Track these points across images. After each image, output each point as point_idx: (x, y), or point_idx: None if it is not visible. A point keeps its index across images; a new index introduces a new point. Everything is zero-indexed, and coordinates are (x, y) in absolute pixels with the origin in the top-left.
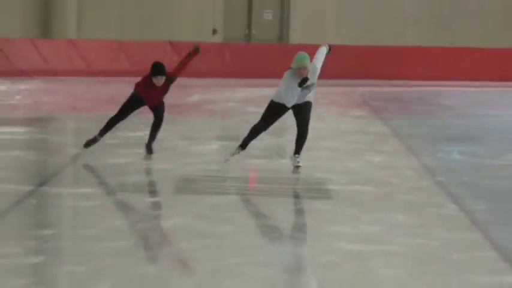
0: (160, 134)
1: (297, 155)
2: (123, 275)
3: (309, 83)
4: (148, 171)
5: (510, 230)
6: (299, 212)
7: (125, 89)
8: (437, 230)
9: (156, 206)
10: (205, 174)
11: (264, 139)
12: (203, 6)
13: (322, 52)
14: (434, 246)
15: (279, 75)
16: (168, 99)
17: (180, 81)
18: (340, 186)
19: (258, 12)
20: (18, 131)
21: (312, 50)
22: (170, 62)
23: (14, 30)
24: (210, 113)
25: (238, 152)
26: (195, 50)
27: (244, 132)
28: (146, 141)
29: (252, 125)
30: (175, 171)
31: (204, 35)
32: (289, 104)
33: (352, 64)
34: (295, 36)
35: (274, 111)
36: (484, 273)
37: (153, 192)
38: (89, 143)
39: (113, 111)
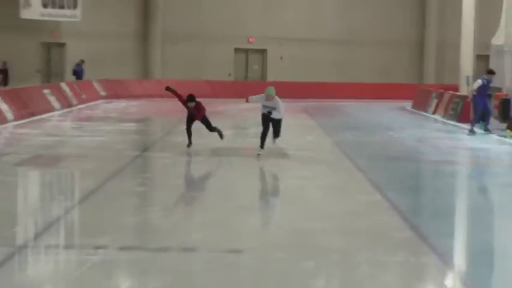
0: (200, 126)
1: (275, 138)
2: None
3: (270, 105)
4: (196, 144)
5: (379, 173)
6: (271, 164)
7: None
8: (341, 173)
9: (200, 162)
10: (224, 146)
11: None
12: (223, 61)
13: (282, 107)
14: (340, 181)
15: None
16: (207, 109)
17: (211, 100)
18: (292, 152)
19: (251, 65)
20: (132, 125)
21: (280, 85)
22: (205, 92)
23: (128, 75)
24: (227, 115)
25: (258, 152)
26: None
27: (244, 124)
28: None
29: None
30: (209, 145)
31: (224, 76)
32: (264, 111)
33: (298, 91)
34: (270, 77)
35: (263, 117)
36: (362, 192)
37: (198, 155)
38: (188, 145)
39: (178, 117)
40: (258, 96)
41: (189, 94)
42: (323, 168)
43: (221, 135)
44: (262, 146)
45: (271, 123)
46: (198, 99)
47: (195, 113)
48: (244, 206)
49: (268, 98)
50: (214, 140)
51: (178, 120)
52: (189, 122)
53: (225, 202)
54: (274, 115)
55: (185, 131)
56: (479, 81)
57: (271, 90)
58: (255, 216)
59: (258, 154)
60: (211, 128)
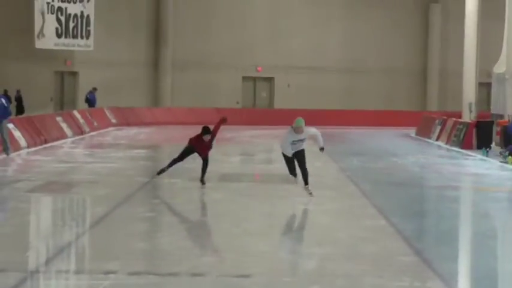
0: (211, 152)
1: (307, 186)
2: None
3: (301, 137)
4: (190, 172)
5: (384, 198)
6: (279, 189)
7: (196, 129)
8: (346, 199)
9: (209, 188)
10: (233, 172)
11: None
12: (231, 89)
13: (319, 136)
14: (345, 206)
15: (270, 123)
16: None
17: (220, 127)
18: (299, 177)
19: (259, 92)
20: (142, 151)
21: (287, 112)
22: (213, 119)
23: (139, 102)
24: (235, 142)
25: (295, 181)
26: (223, 120)
27: (252, 150)
28: (200, 177)
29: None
30: (218, 171)
31: (232, 104)
32: (290, 154)
33: (305, 118)
34: (277, 105)
35: (288, 158)
36: (367, 217)
37: (207, 181)
38: (159, 172)
39: (185, 142)
40: (285, 136)
41: (205, 126)
42: (329, 193)
43: (202, 178)
44: (294, 175)
45: (297, 160)
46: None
47: (204, 148)
48: (252, 231)
49: (298, 130)
50: (222, 165)
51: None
52: (186, 153)
53: (233, 227)
54: (303, 146)
55: (176, 159)
56: None
57: (300, 121)
58: (262, 241)
59: (295, 182)
60: (206, 165)
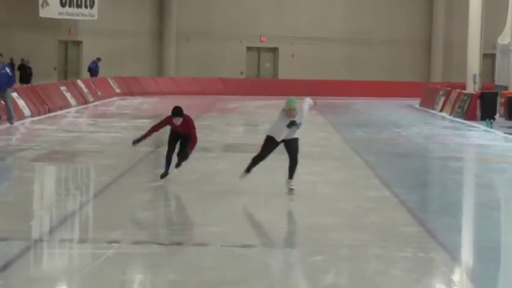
0: (213, 122)
1: (290, 180)
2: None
3: (296, 122)
4: (210, 141)
5: (387, 169)
6: (283, 159)
7: (199, 99)
8: (350, 169)
9: (213, 158)
10: (236, 142)
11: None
12: (236, 60)
13: (309, 102)
14: (349, 177)
15: (274, 94)
16: (217, 106)
17: (224, 97)
18: (303, 148)
19: (263, 63)
20: (146, 121)
21: (291, 83)
22: (217, 89)
23: (143, 72)
24: (239, 112)
25: (244, 176)
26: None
27: (255, 121)
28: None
29: (253, 156)
30: (222, 141)
31: (236, 74)
32: (279, 139)
33: (309, 89)
34: (281, 75)
35: (269, 144)
36: (371, 188)
37: (211, 151)
38: (162, 175)
39: (191, 114)
40: (276, 120)
41: (175, 106)
42: (333, 164)
43: (179, 163)
44: (248, 170)
45: (287, 149)
46: (187, 115)
47: (182, 131)
48: (257, 202)
49: (291, 113)
50: (226, 135)
51: (192, 117)
52: (173, 142)
53: (237, 197)
54: (297, 134)
55: (167, 153)
56: None
57: (293, 101)
58: (266, 212)
59: (241, 177)
60: (186, 150)
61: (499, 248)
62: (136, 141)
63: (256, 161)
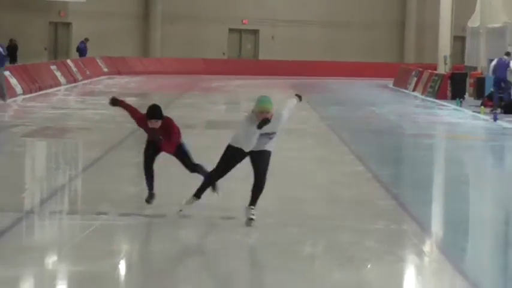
0: (196, 100)
1: (252, 207)
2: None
3: (269, 129)
4: (193, 118)
5: (362, 146)
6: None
7: (183, 79)
8: (326, 146)
9: (196, 135)
10: (219, 119)
11: None
12: (218, 41)
13: (292, 103)
14: (325, 153)
15: (254, 74)
16: (200, 85)
17: (207, 77)
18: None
19: (244, 44)
20: (133, 99)
21: (271, 63)
22: (200, 69)
23: (130, 52)
24: (221, 91)
25: (192, 202)
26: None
27: (237, 99)
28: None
29: (208, 173)
30: (205, 118)
31: (219, 55)
32: (247, 149)
33: (288, 69)
34: (262, 56)
35: (231, 156)
36: (346, 164)
37: (194, 128)
38: (147, 199)
39: (175, 91)
40: (243, 123)
41: (151, 105)
42: (310, 141)
43: (213, 186)
44: (199, 195)
45: (253, 165)
46: (167, 116)
47: (161, 140)
48: (238, 176)
49: (264, 114)
50: (209, 113)
51: (176, 95)
52: (151, 153)
53: None
54: (267, 146)
55: (144, 165)
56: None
57: (266, 101)
58: (247, 186)
59: (180, 211)
60: (191, 166)
61: (468, 220)
62: (114, 102)
63: (210, 179)
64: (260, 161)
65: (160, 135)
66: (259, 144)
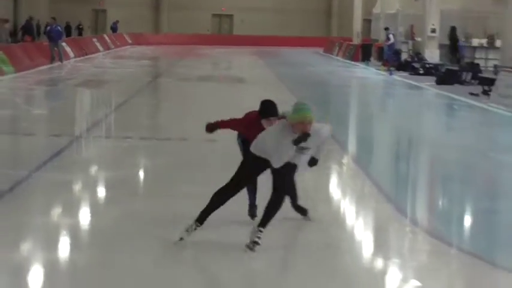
0: (191, 63)
1: (261, 229)
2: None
3: (306, 143)
4: (189, 74)
5: (302, 92)
6: (233, 86)
7: (181, 48)
8: (276, 92)
9: (191, 85)
10: (206, 74)
11: None
12: (205, 22)
13: (328, 130)
14: (275, 97)
15: (230, 44)
16: (193, 52)
17: (197, 47)
18: (247, 79)
19: (222, 25)
20: (148, 61)
21: (242, 37)
22: (194, 41)
23: (146, 29)
24: (207, 56)
25: (195, 229)
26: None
27: (218, 61)
28: None
29: (215, 192)
30: (197, 74)
31: (205, 31)
32: (277, 165)
33: (253, 41)
34: (235, 32)
35: (253, 168)
36: (289, 103)
37: (188, 80)
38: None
39: (178, 56)
40: (271, 132)
41: (266, 101)
42: (264, 88)
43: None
44: (201, 220)
45: (274, 176)
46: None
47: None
48: (218, 108)
49: (306, 125)
50: (199, 70)
51: (177, 59)
52: (255, 169)
53: (205, 108)
54: (296, 160)
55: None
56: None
57: (305, 110)
58: (224, 114)
59: (181, 239)
60: (283, 186)
61: (373, 139)
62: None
63: (220, 201)
64: (285, 173)
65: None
66: (295, 158)
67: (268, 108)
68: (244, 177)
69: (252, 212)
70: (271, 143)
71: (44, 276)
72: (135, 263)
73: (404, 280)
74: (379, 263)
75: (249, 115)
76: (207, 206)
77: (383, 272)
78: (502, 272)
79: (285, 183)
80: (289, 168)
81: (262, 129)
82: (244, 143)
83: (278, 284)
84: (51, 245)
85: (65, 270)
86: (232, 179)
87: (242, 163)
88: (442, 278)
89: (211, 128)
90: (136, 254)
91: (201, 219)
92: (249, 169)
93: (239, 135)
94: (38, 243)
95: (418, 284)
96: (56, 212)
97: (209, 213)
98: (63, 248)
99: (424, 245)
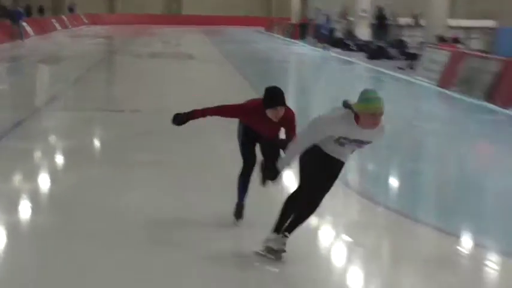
0: (144, 41)
1: (287, 234)
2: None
3: (368, 137)
4: (142, 51)
5: (247, 68)
6: (184, 63)
7: (135, 27)
8: (221, 68)
9: (145, 61)
10: (158, 51)
11: None
12: (157, 4)
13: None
14: (221, 73)
15: (179, 24)
16: (146, 32)
17: (150, 26)
18: (196, 56)
19: (173, 4)
20: (103, 40)
21: (190, 16)
22: (145, 21)
23: (101, 10)
24: (159, 34)
25: (283, 243)
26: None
27: (169, 39)
28: None
29: (285, 200)
30: (150, 51)
31: (158, 12)
32: (345, 159)
33: (200, 21)
34: (184, 13)
35: (327, 170)
36: (237, 82)
37: (141, 57)
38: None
39: (131, 36)
40: (329, 119)
41: (272, 88)
42: (212, 65)
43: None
44: (279, 229)
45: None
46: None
47: (271, 131)
48: (172, 82)
49: (370, 120)
50: (152, 48)
51: (131, 37)
52: (252, 146)
53: (159, 81)
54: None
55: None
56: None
57: (378, 98)
58: (177, 87)
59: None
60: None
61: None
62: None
63: (308, 211)
64: (331, 177)
65: (272, 127)
66: (346, 152)
67: (275, 97)
68: (324, 181)
69: (238, 212)
70: (330, 132)
71: (6, 238)
72: (90, 226)
73: (337, 236)
74: (313, 220)
75: (252, 102)
76: (280, 217)
77: (316, 229)
78: (424, 227)
79: (327, 185)
80: (336, 173)
81: (267, 118)
82: (247, 130)
83: None
84: (12, 208)
85: (25, 232)
86: (311, 186)
87: (307, 165)
88: (370, 233)
89: (180, 120)
90: (91, 218)
91: (278, 230)
92: (324, 174)
93: (240, 123)
94: (0, 207)
95: (349, 239)
96: (17, 178)
97: (283, 224)
98: (24, 211)
99: (355, 204)
